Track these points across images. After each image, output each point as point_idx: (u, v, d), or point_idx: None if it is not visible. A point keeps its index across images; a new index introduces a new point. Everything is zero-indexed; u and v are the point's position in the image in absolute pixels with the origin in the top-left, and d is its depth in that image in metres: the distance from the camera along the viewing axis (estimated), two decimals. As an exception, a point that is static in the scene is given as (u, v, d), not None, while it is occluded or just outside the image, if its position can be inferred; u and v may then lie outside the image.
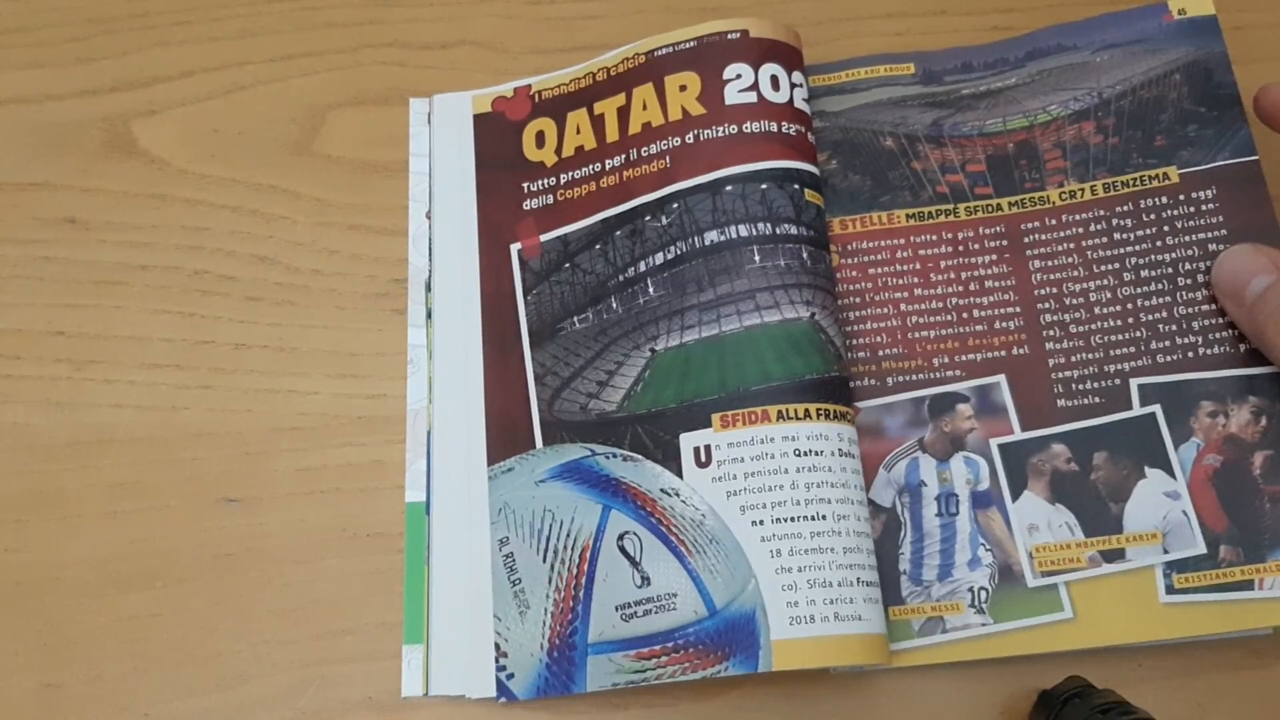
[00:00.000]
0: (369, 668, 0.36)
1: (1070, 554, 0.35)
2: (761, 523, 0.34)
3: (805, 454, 0.34)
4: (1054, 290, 0.38)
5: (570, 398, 0.38)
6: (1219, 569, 0.34)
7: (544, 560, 0.36)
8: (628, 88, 0.41)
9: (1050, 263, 0.38)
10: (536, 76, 0.43)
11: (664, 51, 0.40)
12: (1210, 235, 0.37)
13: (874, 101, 0.42)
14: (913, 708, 0.35)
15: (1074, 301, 0.38)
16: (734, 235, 0.37)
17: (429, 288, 0.41)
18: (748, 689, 0.36)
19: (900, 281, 0.39)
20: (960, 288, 0.39)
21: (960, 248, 0.39)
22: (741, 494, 0.34)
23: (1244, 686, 0.35)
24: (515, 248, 0.40)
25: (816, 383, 0.35)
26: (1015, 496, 0.36)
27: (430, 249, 0.41)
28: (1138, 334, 0.37)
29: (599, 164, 0.40)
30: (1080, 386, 0.37)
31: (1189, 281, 0.37)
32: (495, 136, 0.42)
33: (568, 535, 0.36)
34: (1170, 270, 0.37)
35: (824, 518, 0.34)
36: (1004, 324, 0.38)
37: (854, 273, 0.39)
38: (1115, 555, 0.35)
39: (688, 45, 0.40)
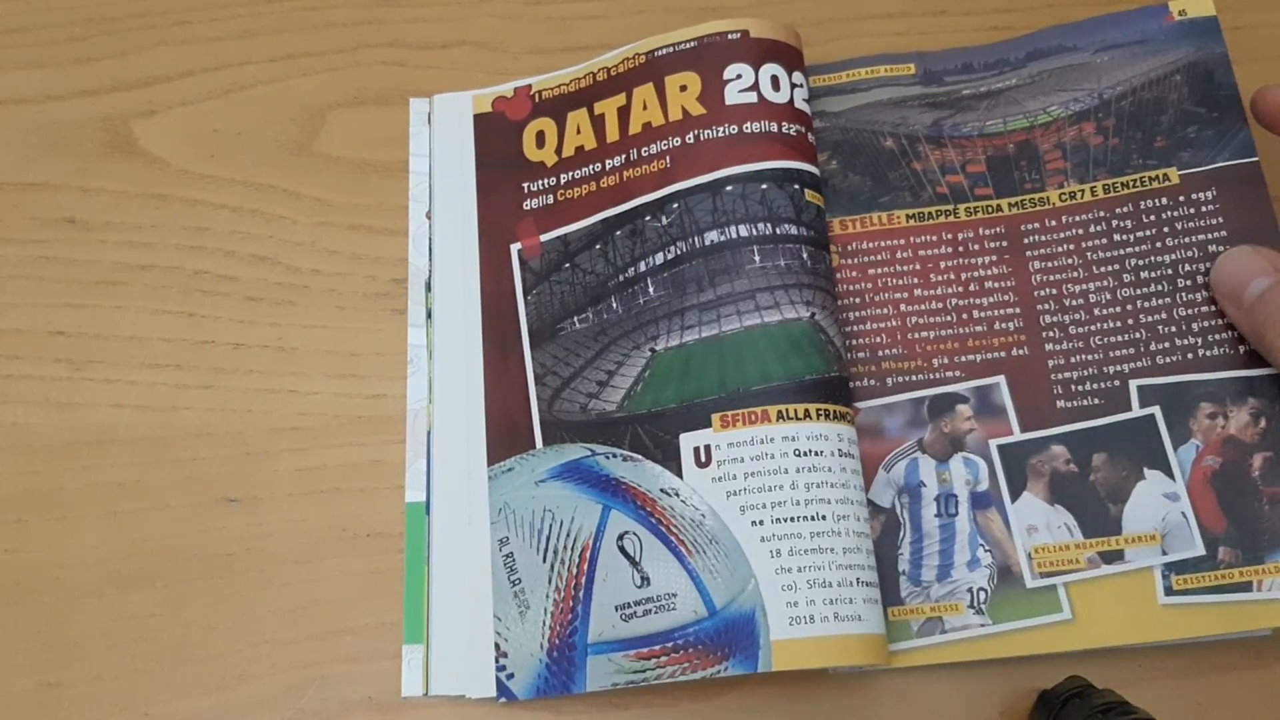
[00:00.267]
0: (369, 668, 0.36)
1: (1069, 555, 0.35)
2: (761, 523, 0.34)
3: (805, 454, 0.34)
4: (1054, 291, 0.38)
5: (570, 398, 0.38)
6: (1218, 570, 0.34)
7: (544, 560, 0.36)
8: (628, 88, 0.41)
9: (1050, 264, 0.38)
10: (536, 76, 0.43)
11: (664, 51, 0.40)
12: (1210, 236, 0.37)
13: (874, 102, 0.42)
14: (912, 708, 0.36)
15: (1074, 303, 0.38)
16: (734, 235, 0.37)
17: (429, 288, 0.41)
18: (748, 689, 0.36)
19: (900, 282, 0.39)
20: (960, 288, 0.39)
21: (960, 248, 0.39)
22: (741, 494, 0.34)
23: (1243, 687, 0.35)
24: (515, 248, 0.40)
25: (816, 383, 0.35)
26: (1014, 497, 0.36)
27: (430, 249, 0.41)
28: (1137, 335, 0.37)
29: (599, 164, 0.40)
30: (1080, 388, 0.37)
31: (1189, 283, 0.37)
32: (495, 136, 0.42)
33: (568, 535, 0.36)
34: (1170, 271, 0.37)
35: (824, 518, 0.34)
36: (1004, 325, 0.38)
37: (854, 273, 0.39)
38: (1114, 556, 0.35)
39: (688, 45, 0.40)
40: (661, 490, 0.35)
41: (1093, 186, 0.39)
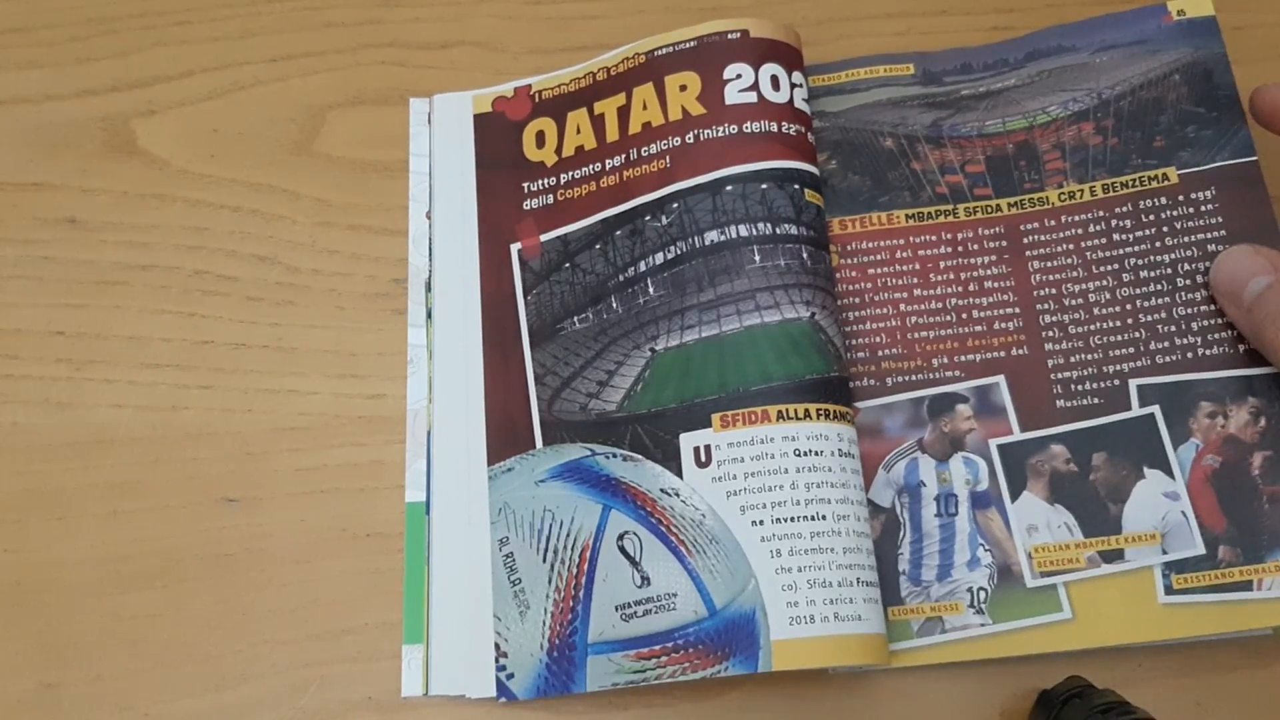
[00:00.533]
0: (369, 668, 0.36)
1: (1069, 554, 0.35)
2: (761, 523, 0.34)
3: (805, 454, 0.34)
4: (1053, 291, 0.38)
5: (570, 398, 0.38)
6: (1218, 569, 0.34)
7: (544, 560, 0.36)
8: (628, 88, 0.41)
9: (1049, 263, 0.38)
10: (536, 76, 0.43)
11: (664, 51, 0.40)
12: (1209, 236, 0.37)
13: (874, 102, 0.42)
14: (912, 708, 0.36)
15: (1073, 302, 0.38)
16: (734, 235, 0.37)
17: (429, 288, 0.41)
18: (748, 689, 0.36)
19: (900, 282, 0.39)
20: (959, 288, 0.39)
21: (959, 248, 0.39)
22: (741, 494, 0.34)
23: (1243, 686, 0.35)
24: (515, 248, 0.40)
25: (816, 383, 0.35)
26: (1014, 497, 0.36)
27: (430, 249, 0.41)
28: (1137, 335, 0.37)
29: (599, 164, 0.40)
30: (1079, 387, 0.37)
31: (1188, 282, 0.37)
32: (495, 136, 0.42)
33: (568, 535, 0.36)
34: (1169, 271, 0.37)
35: (824, 518, 0.34)
36: (1003, 325, 0.38)
37: (854, 273, 0.39)
38: (1114, 556, 0.35)
39: (688, 45, 0.40)
40: (661, 490, 0.35)
41: (1092, 186, 0.39)
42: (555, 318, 0.39)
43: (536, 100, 0.42)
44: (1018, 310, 0.38)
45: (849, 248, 0.40)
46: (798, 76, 0.39)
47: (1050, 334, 0.38)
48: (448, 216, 0.42)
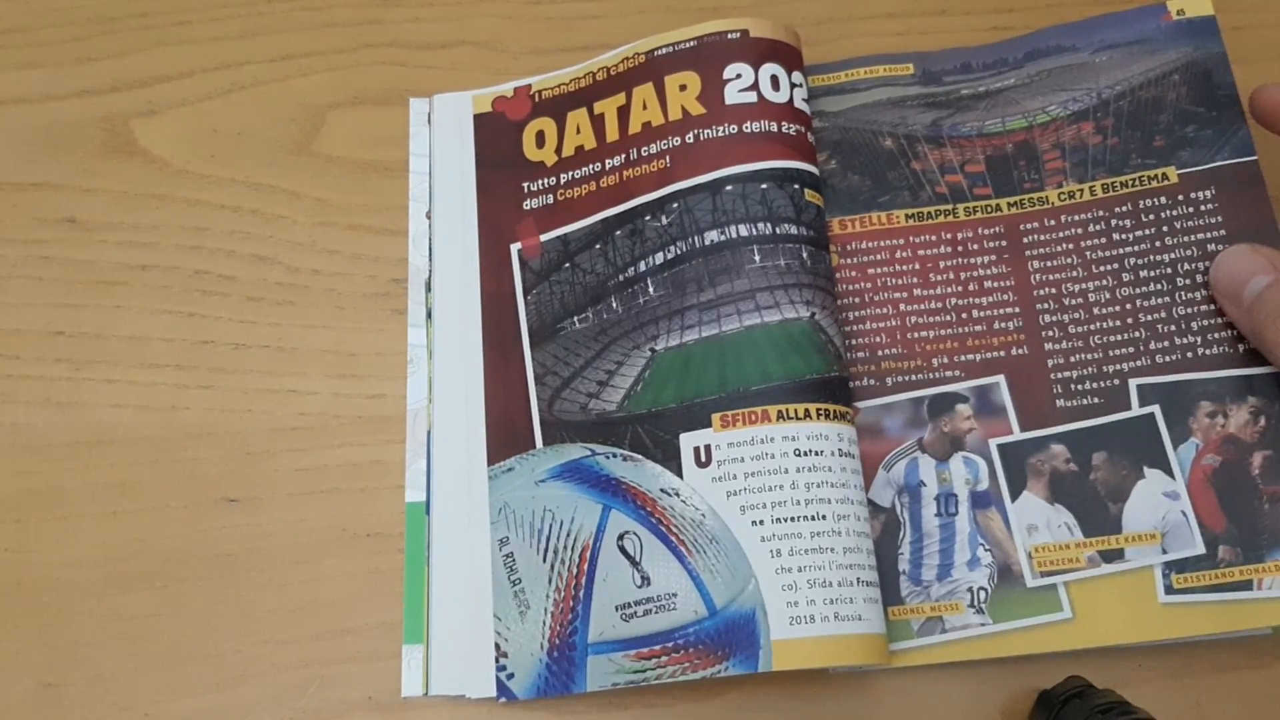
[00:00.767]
0: (369, 668, 0.36)
1: (1069, 554, 0.35)
2: (761, 523, 0.34)
3: (805, 454, 0.34)
4: (1053, 291, 0.38)
5: (570, 398, 0.38)
6: (1218, 569, 0.34)
7: (544, 560, 0.36)
8: (628, 87, 0.41)
9: (1049, 263, 0.38)
10: (536, 76, 0.43)
11: (664, 51, 0.40)
12: (1209, 235, 0.37)
13: (873, 102, 0.42)
14: (913, 708, 0.36)
15: (1073, 302, 0.38)
16: (734, 235, 0.37)
17: (429, 288, 0.41)
18: (748, 689, 0.36)
19: (899, 282, 0.39)
20: (959, 288, 0.39)
21: (959, 248, 0.39)
22: (741, 494, 0.34)
23: (1243, 686, 0.35)
24: (515, 247, 0.40)
25: (816, 383, 0.35)
26: (1014, 497, 0.36)
27: (430, 249, 0.41)
28: (1137, 334, 0.37)
29: (599, 164, 0.40)
30: (1079, 387, 0.37)
31: (1188, 282, 0.37)
32: (495, 136, 0.42)
33: (568, 535, 0.36)
34: (1169, 270, 0.37)
35: (824, 518, 0.34)
36: (1003, 324, 0.38)
37: (853, 273, 0.39)
38: (1114, 555, 0.35)
39: (688, 45, 0.40)
40: (661, 490, 0.35)
41: (1091, 186, 0.39)
42: (555, 318, 0.39)
43: (536, 100, 0.42)
44: (1018, 310, 0.38)
45: (849, 248, 0.40)
46: (798, 76, 0.39)
47: (1050, 334, 0.38)
48: (448, 216, 0.42)
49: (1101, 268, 0.38)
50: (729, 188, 0.38)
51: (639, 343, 0.38)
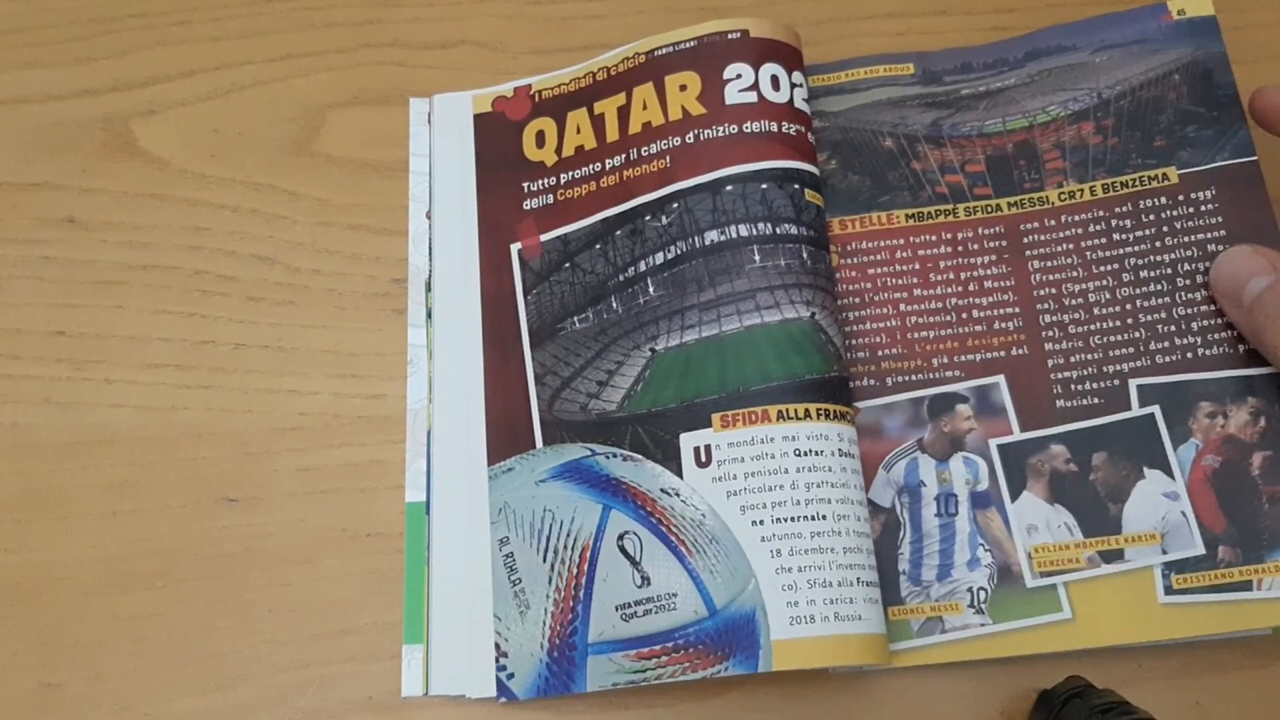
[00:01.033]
0: (369, 668, 0.36)
1: (1069, 554, 0.35)
2: (761, 523, 0.34)
3: (805, 454, 0.34)
4: (1053, 291, 0.38)
5: (570, 398, 0.38)
6: (1217, 569, 0.34)
7: (544, 560, 0.36)
8: (628, 87, 0.41)
9: (1049, 263, 0.38)
10: (536, 76, 0.43)
11: (664, 51, 0.40)
12: (1209, 236, 0.37)
13: (874, 102, 0.42)
14: (913, 708, 0.36)
15: (1073, 302, 0.38)
16: (734, 235, 0.37)
17: (429, 288, 0.41)
18: (748, 689, 0.36)
19: (900, 282, 0.39)
20: (959, 288, 0.39)
21: (959, 248, 0.39)
22: (741, 494, 0.34)
23: (1243, 687, 0.35)
24: (515, 247, 0.40)
25: (816, 383, 0.35)
26: (1014, 497, 0.36)
27: (430, 249, 0.41)
28: (1137, 334, 0.37)
29: (599, 164, 0.40)
30: (1079, 387, 0.37)
31: (1188, 282, 0.37)
32: (495, 136, 0.42)
33: (568, 535, 0.36)
34: (1169, 271, 0.37)
35: (824, 518, 0.34)
36: (1003, 324, 0.38)
37: (854, 273, 0.39)
38: (1114, 556, 0.35)
39: (688, 45, 0.40)
40: (662, 490, 0.35)
41: (1092, 186, 0.39)
42: (555, 318, 0.39)
43: (536, 100, 0.42)
44: (1018, 310, 0.38)
45: (849, 248, 0.40)
46: (798, 76, 0.39)
47: (1050, 334, 0.38)
48: (448, 216, 0.42)
49: (1102, 268, 0.38)
50: (729, 188, 0.38)
51: (639, 343, 0.38)
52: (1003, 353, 0.38)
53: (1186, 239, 0.38)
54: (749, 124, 0.38)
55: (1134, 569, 0.35)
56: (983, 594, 0.35)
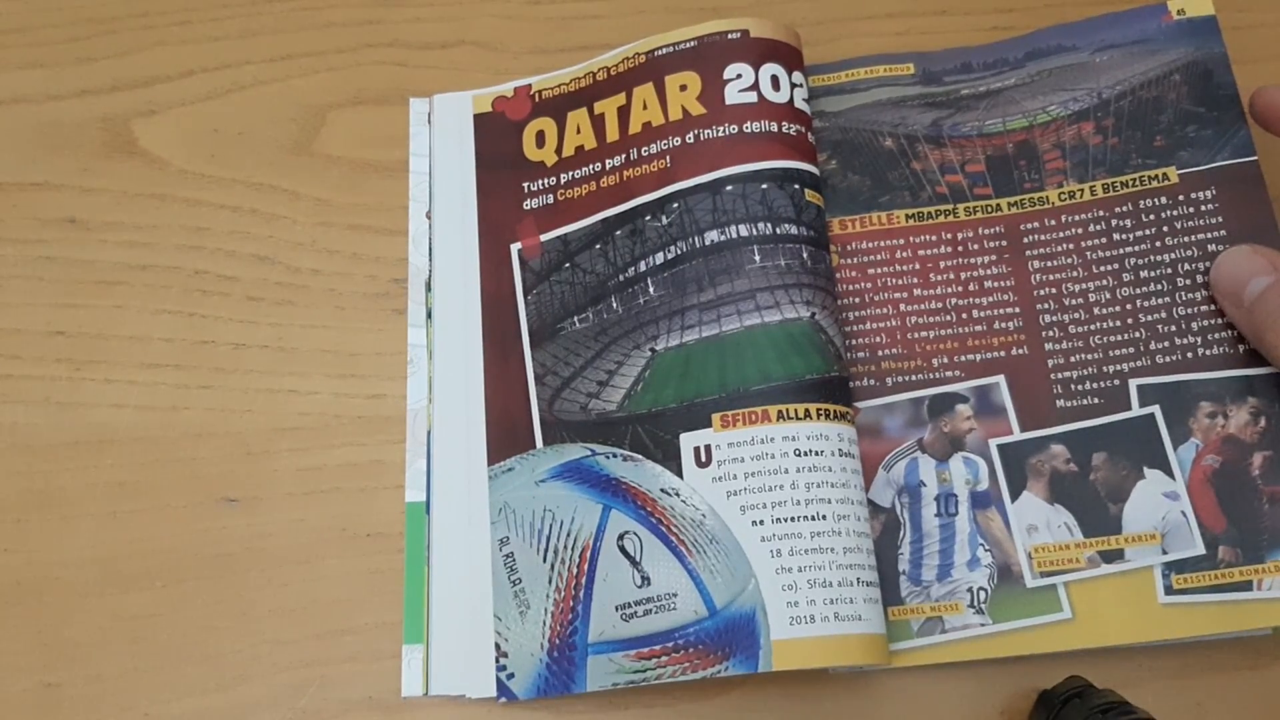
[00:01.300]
0: (369, 668, 0.36)
1: (1069, 554, 0.35)
2: (761, 523, 0.34)
3: (805, 454, 0.34)
4: (1053, 291, 0.38)
5: (570, 397, 0.38)
6: (1218, 569, 0.34)
7: (544, 560, 0.36)
8: (628, 87, 0.41)
9: (1049, 263, 0.38)
10: (536, 76, 0.43)
11: (664, 51, 0.40)
12: (1209, 236, 0.37)
13: (874, 102, 0.42)
14: (913, 708, 0.36)
15: (1073, 302, 0.38)
16: (734, 235, 0.37)
17: (429, 288, 0.41)
18: (748, 689, 0.36)
19: (900, 282, 0.39)
20: (959, 288, 0.39)
21: (959, 248, 0.39)
22: (741, 494, 0.34)
23: (1243, 687, 0.35)
24: (515, 247, 0.40)
25: (816, 383, 0.35)
26: (1014, 497, 0.36)
27: (430, 249, 0.41)
28: (1137, 334, 0.37)
29: (599, 164, 0.40)
30: (1079, 387, 0.37)
31: (1188, 282, 0.37)
32: (495, 136, 0.42)
33: (568, 535, 0.36)
34: (1169, 271, 0.37)
35: (824, 518, 0.34)
36: (1003, 324, 0.38)
37: (854, 273, 0.39)
38: (1114, 556, 0.35)
39: (688, 45, 0.40)
40: (662, 490, 0.35)
41: (1092, 186, 0.39)
42: (555, 317, 0.39)
43: (536, 100, 0.42)
44: (1018, 310, 0.38)
45: (849, 248, 0.40)
46: (798, 76, 0.39)
47: (1050, 334, 0.38)
48: (448, 216, 0.42)
49: (1102, 268, 0.38)
50: (729, 188, 0.38)
51: (639, 343, 0.38)
52: (1003, 353, 0.38)
53: (1186, 239, 0.38)
54: (749, 124, 0.38)
55: (1134, 569, 0.35)
56: (983, 594, 0.35)
